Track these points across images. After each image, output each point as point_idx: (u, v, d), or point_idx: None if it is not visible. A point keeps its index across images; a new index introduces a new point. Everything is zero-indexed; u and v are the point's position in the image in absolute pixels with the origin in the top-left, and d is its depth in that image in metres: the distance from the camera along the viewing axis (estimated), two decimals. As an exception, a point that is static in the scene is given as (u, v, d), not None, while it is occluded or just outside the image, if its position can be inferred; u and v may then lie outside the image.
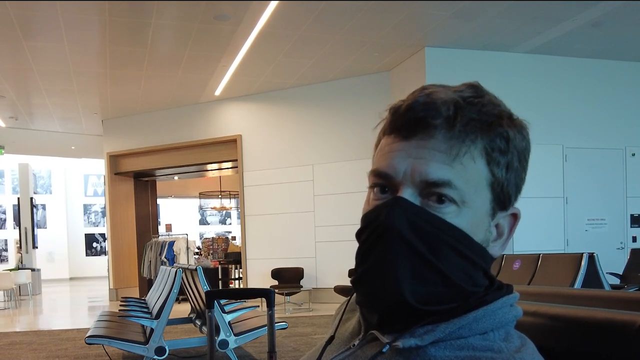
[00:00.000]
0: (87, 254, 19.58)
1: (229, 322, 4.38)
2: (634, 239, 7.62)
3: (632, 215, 7.63)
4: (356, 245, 0.62)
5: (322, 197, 8.50)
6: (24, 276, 11.48)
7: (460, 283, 0.60)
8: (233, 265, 10.61)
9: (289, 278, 8.43)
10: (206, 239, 12.51)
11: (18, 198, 14.54)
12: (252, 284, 8.99)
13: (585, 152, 7.43)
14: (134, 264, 10.79)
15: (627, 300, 0.80)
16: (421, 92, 0.61)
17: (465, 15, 6.13)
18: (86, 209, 19.76)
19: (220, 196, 15.00)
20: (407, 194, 0.59)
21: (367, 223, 0.61)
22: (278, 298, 6.85)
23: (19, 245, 16.11)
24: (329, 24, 6.29)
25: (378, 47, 7.07)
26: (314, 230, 8.55)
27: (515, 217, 0.65)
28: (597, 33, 6.66)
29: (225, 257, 10.74)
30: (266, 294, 2.92)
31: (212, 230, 20.33)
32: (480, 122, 0.59)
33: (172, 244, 9.87)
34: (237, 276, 10.78)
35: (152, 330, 4.36)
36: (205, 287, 4.40)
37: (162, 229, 12.76)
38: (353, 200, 7.40)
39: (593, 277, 4.74)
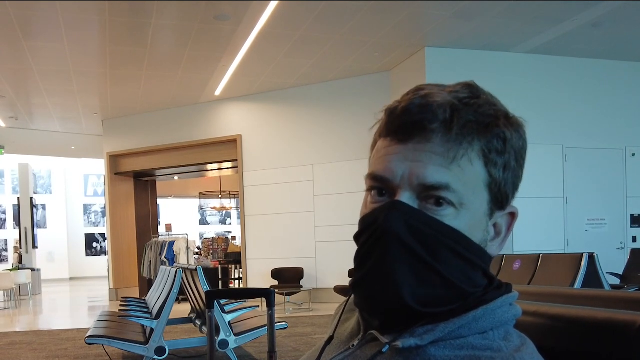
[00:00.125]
0: (87, 254, 19.59)
1: (229, 322, 4.38)
2: (634, 239, 7.62)
3: (632, 215, 7.63)
4: (356, 245, 0.62)
5: (322, 197, 8.50)
6: (24, 276, 11.48)
7: (460, 284, 0.60)
8: (233, 265, 10.61)
9: (289, 278, 8.43)
10: (206, 239, 12.52)
11: (18, 198, 14.55)
12: (252, 284, 8.99)
13: (585, 152, 7.43)
14: (134, 264, 10.79)
15: (627, 300, 0.80)
16: (416, 93, 0.61)
17: (465, 15, 6.13)
18: (86, 209, 19.77)
19: (220, 196, 15.00)
20: (405, 197, 0.59)
21: (365, 226, 0.61)
22: (278, 298, 6.85)
23: (17, 245, 16.14)
24: (329, 24, 6.29)
25: (378, 47, 7.07)
26: (314, 230, 8.55)
27: (513, 215, 0.65)
28: (597, 33, 6.66)
29: (225, 257, 10.74)
30: (266, 294, 2.92)
31: (212, 230, 20.33)
32: (477, 124, 0.59)
33: (172, 244, 9.87)
34: (237, 276, 10.78)
35: (152, 330, 4.36)
36: (205, 287, 4.40)
37: (162, 229, 12.76)
38: (353, 200, 7.40)
39: (593, 277, 4.74)
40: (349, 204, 7.79)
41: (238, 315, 4.76)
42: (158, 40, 6.70)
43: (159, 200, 12.56)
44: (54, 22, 6.06)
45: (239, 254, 9.79)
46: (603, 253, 5.30)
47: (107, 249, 12.11)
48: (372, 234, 0.59)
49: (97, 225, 19.64)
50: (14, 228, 17.62)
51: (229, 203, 15.40)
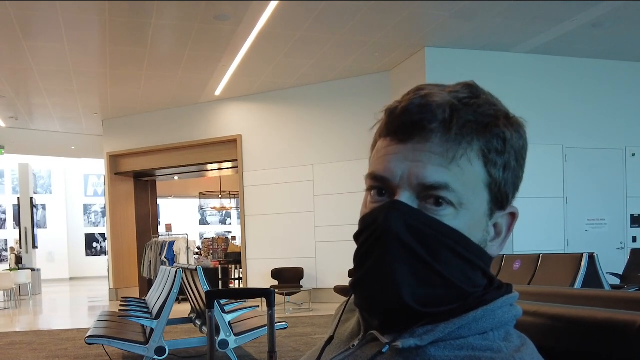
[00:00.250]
0: (87, 254, 19.59)
1: (229, 322, 4.38)
2: (634, 239, 7.61)
3: (632, 215, 7.63)
4: (356, 245, 0.62)
5: (322, 197, 8.50)
6: (24, 276, 11.48)
7: (460, 284, 0.60)
8: (233, 265, 10.61)
9: (289, 278, 8.43)
10: (206, 239, 12.52)
11: (18, 198, 14.56)
12: (252, 284, 8.99)
13: (585, 152, 7.43)
14: (134, 264, 10.79)
15: (627, 300, 0.80)
16: (416, 93, 0.61)
17: (465, 15, 6.13)
18: (86, 209, 19.77)
19: (220, 196, 15.00)
20: (405, 197, 0.59)
21: (365, 226, 0.61)
22: (278, 298, 6.85)
23: (14, 245, 16.13)
24: (329, 24, 6.29)
25: (378, 47, 7.07)
26: (314, 230, 8.56)
27: (513, 216, 0.65)
28: (597, 33, 6.66)
29: (225, 257, 10.74)
30: (266, 294, 2.92)
31: (212, 230, 20.33)
32: (476, 124, 0.59)
33: (172, 244, 9.87)
34: (237, 276, 10.78)
35: (152, 330, 4.36)
36: (205, 287, 4.40)
37: (162, 229, 12.77)
38: (353, 200, 7.40)
39: (593, 277, 4.74)
40: (349, 204, 7.79)
41: (238, 315, 4.76)
42: (158, 40, 6.70)
43: (159, 200, 12.57)
44: (54, 22, 6.06)
45: (239, 254, 9.79)
46: (603, 253, 5.30)
47: (107, 249, 12.11)
48: (371, 234, 0.59)
49: (97, 225, 19.64)
50: (14, 228, 17.62)
51: (229, 203, 15.40)
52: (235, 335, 4.32)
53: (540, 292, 0.96)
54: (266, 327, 3.13)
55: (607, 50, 7.27)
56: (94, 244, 19.68)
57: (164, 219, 16.15)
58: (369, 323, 0.65)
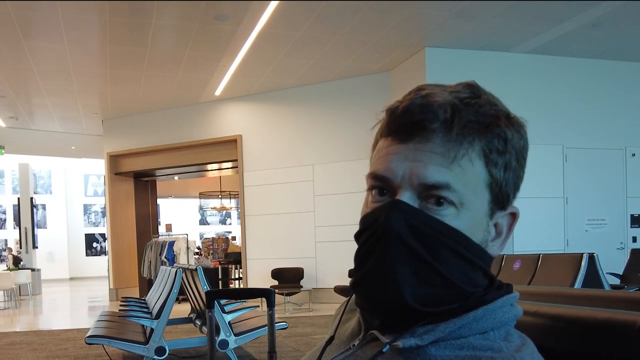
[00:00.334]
0: (87, 254, 19.60)
1: (229, 322, 4.38)
2: (634, 239, 7.61)
3: (632, 216, 7.63)
4: (356, 245, 0.62)
5: (322, 197, 8.50)
6: (24, 276, 11.48)
7: (460, 284, 0.60)
8: (233, 265, 10.62)
9: (289, 278, 8.43)
10: (206, 239, 12.52)
11: (18, 198, 14.56)
12: (252, 284, 8.99)
13: (585, 152, 7.43)
14: (134, 264, 10.79)
15: (627, 300, 0.80)
16: (417, 93, 0.61)
17: (465, 15, 6.13)
18: (86, 209, 19.77)
19: (220, 196, 15.00)
20: (406, 196, 0.59)
21: (365, 226, 0.61)
22: (278, 298, 6.85)
23: (16, 244, 16.12)
24: (329, 24, 6.29)
25: (378, 47, 7.07)
26: (314, 230, 8.55)
27: (514, 216, 0.65)
28: (597, 33, 6.66)
29: (225, 257, 10.74)
30: (266, 294, 2.92)
31: (212, 230, 20.33)
32: (477, 124, 0.59)
33: (172, 244, 9.88)
34: (237, 276, 10.78)
35: (152, 330, 4.36)
36: (205, 287, 4.40)
37: (162, 229, 12.77)
38: (353, 200, 7.40)
39: (593, 277, 4.74)
40: (349, 204, 7.79)
41: (238, 315, 4.76)
42: (158, 40, 6.70)
43: (159, 200, 12.57)
44: (54, 22, 6.06)
45: (239, 254, 9.79)
46: (603, 253, 5.30)
47: (107, 249, 12.11)
48: (372, 233, 0.59)
49: (97, 225, 19.64)
50: (14, 228, 17.62)
51: (229, 203, 15.40)
52: (235, 335, 4.33)
53: (540, 292, 0.97)
54: (266, 327, 3.13)
55: (607, 50, 7.27)
56: (94, 244, 19.69)
57: (164, 219, 16.16)
58: (370, 323, 0.65)
